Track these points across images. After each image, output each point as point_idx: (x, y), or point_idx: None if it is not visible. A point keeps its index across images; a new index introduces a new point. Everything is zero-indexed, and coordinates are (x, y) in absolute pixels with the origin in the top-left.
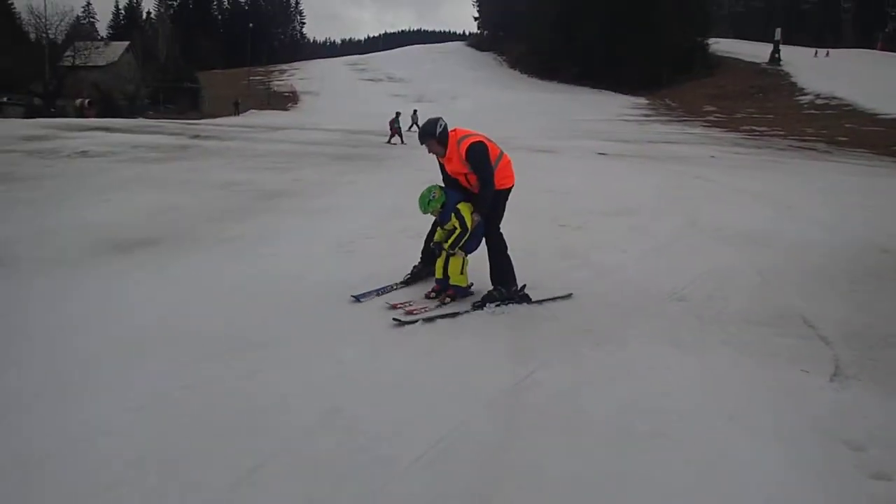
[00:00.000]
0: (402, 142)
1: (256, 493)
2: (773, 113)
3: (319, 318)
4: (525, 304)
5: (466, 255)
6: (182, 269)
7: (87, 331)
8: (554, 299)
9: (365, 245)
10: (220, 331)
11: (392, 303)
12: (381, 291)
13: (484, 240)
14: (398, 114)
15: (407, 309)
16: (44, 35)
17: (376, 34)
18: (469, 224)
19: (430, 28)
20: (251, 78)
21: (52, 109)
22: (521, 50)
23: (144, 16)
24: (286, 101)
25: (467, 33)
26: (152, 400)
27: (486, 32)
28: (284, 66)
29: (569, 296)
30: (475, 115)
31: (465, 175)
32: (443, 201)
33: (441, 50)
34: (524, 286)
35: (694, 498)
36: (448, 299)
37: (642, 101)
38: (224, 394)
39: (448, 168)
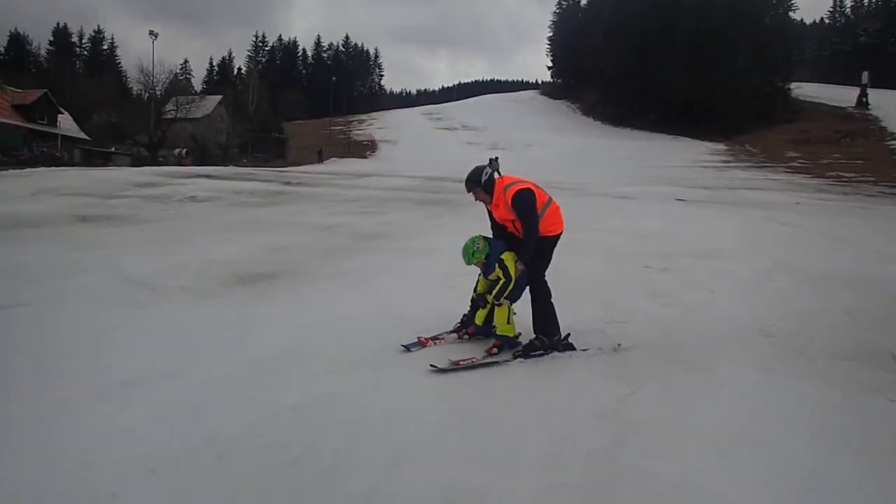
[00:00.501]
0: None
1: (400, 480)
2: (861, 158)
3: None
4: (568, 352)
5: (511, 304)
6: (300, 300)
7: (242, 347)
8: (601, 350)
9: (463, 281)
10: (338, 352)
11: (454, 360)
12: (434, 339)
13: (528, 288)
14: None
15: (453, 360)
16: (151, 91)
17: (450, 84)
18: (513, 273)
19: (502, 77)
20: (332, 128)
21: (160, 158)
22: (594, 97)
23: (235, 71)
24: (365, 149)
25: (539, 82)
26: (300, 405)
27: (559, 80)
28: (363, 117)
29: (618, 346)
30: (551, 162)
31: (513, 221)
32: (487, 252)
33: (514, 98)
34: (568, 335)
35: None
36: (495, 349)
37: (721, 147)
38: (351, 401)
39: (496, 215)
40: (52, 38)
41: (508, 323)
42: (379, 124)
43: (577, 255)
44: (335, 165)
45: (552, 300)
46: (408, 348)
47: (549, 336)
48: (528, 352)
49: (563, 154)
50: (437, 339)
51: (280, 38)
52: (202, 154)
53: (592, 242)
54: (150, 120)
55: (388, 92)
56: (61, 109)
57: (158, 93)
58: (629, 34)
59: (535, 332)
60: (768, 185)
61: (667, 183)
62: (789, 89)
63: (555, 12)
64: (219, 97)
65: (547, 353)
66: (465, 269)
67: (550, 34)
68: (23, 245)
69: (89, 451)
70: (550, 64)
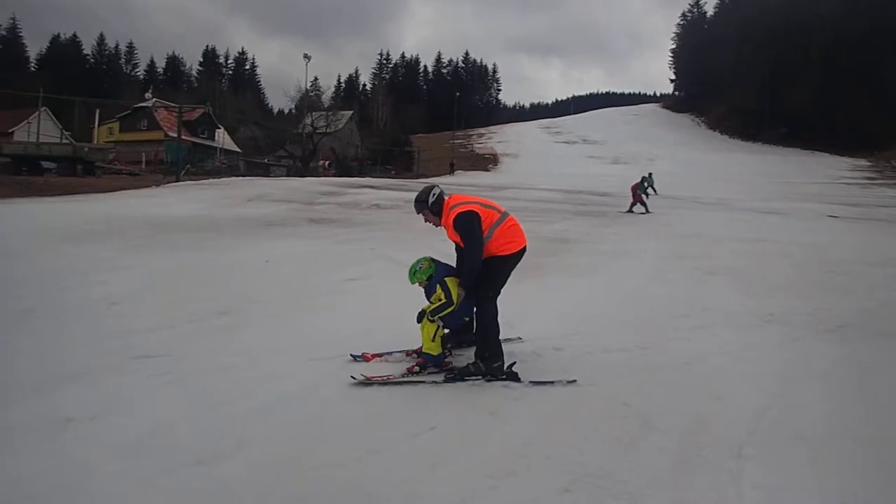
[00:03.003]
0: (647, 211)
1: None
2: None
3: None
4: (513, 382)
5: (443, 327)
6: (547, 288)
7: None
8: (552, 383)
9: (676, 275)
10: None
11: (369, 375)
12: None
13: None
14: (645, 178)
15: (367, 375)
16: (306, 108)
17: (564, 97)
18: (454, 298)
19: (619, 90)
20: (453, 141)
21: (315, 167)
22: (720, 110)
23: (360, 87)
24: (487, 162)
25: (658, 94)
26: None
27: (681, 93)
28: (482, 130)
29: (573, 381)
30: (677, 176)
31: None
32: (430, 273)
33: (634, 112)
34: (513, 363)
35: None
36: (417, 367)
37: (863, 162)
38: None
39: (447, 235)
40: (201, 59)
41: (433, 341)
42: (498, 138)
43: (772, 262)
44: (464, 178)
45: (498, 327)
46: (354, 358)
47: (486, 362)
48: (463, 375)
49: (688, 168)
50: (383, 355)
51: (403, 56)
52: (341, 166)
53: (769, 251)
54: (293, 133)
55: (502, 105)
56: (219, 125)
57: (313, 112)
58: (761, 46)
59: (474, 357)
60: None
61: (810, 199)
62: None
63: (679, 24)
64: (350, 112)
65: (484, 379)
66: (667, 267)
67: (673, 46)
68: (299, 240)
69: None
70: (673, 76)
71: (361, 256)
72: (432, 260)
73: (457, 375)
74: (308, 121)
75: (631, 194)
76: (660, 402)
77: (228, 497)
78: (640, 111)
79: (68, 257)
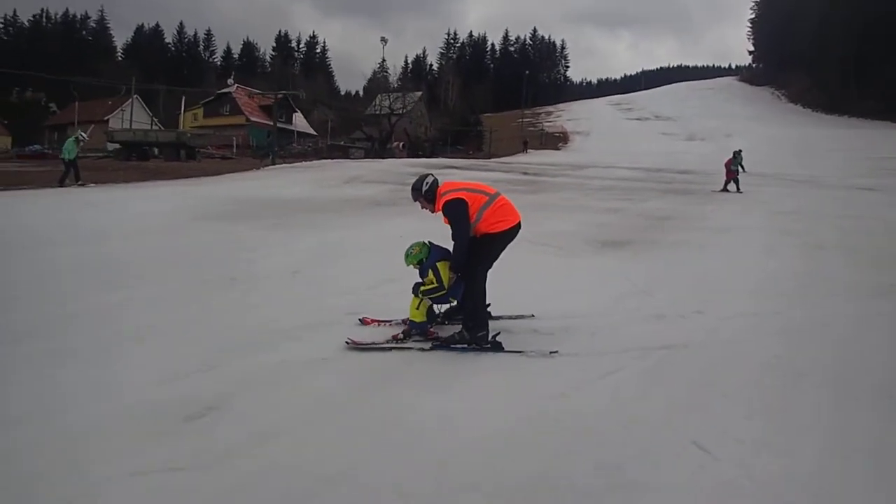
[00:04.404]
0: (738, 190)
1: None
2: None
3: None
4: (497, 352)
5: (432, 305)
6: (666, 262)
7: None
8: (531, 353)
9: (784, 251)
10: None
11: (355, 339)
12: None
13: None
14: (736, 154)
15: (353, 339)
16: (375, 89)
17: (633, 72)
18: (445, 282)
19: (691, 63)
20: (521, 120)
21: (391, 148)
22: (803, 83)
23: (428, 67)
24: (557, 140)
25: (734, 66)
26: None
27: (760, 66)
28: (550, 108)
29: (555, 352)
30: (758, 153)
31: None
32: (421, 258)
33: (709, 86)
34: (497, 334)
35: None
36: (402, 335)
37: None
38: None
39: (443, 221)
40: (274, 45)
41: (418, 308)
42: (567, 116)
43: (879, 239)
44: (537, 157)
45: (485, 299)
46: (361, 321)
47: (471, 332)
48: (449, 343)
49: (769, 145)
50: (384, 321)
51: (470, 34)
52: (413, 147)
53: (873, 228)
54: (366, 115)
55: (570, 82)
56: (296, 108)
57: (386, 94)
58: (849, 14)
59: (462, 325)
60: None
61: None
62: None
63: None
64: (419, 92)
65: (469, 348)
66: (778, 240)
67: (752, 16)
68: (416, 219)
69: None
70: (752, 48)
71: None
72: (425, 244)
73: (443, 343)
74: (384, 102)
75: (725, 171)
76: (805, 356)
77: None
78: (716, 85)
79: (228, 234)
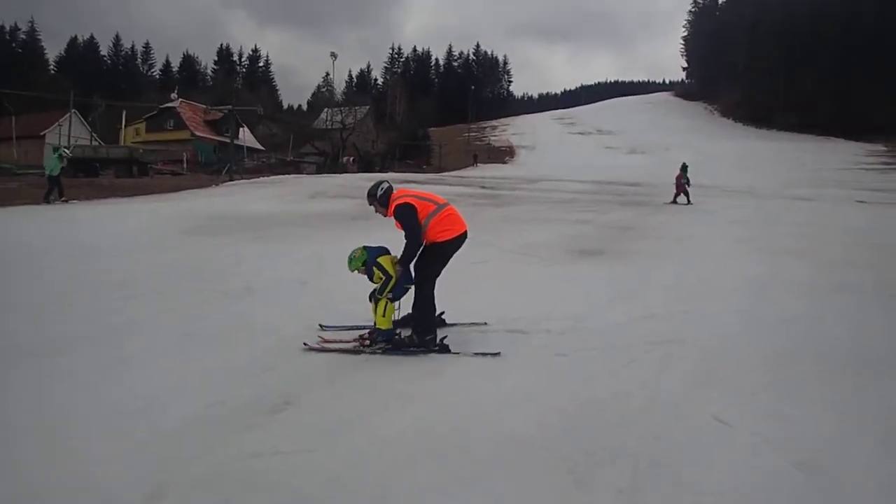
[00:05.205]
0: (689, 202)
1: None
2: None
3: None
4: (445, 353)
5: (392, 302)
6: (622, 270)
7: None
8: (484, 355)
9: (744, 256)
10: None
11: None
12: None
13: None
14: (684, 167)
15: (325, 340)
16: (329, 105)
17: (572, 87)
18: (392, 273)
19: (627, 79)
20: (467, 134)
21: (343, 163)
22: (734, 98)
23: (372, 82)
24: (504, 154)
25: (668, 81)
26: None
27: (692, 81)
28: (495, 123)
29: (497, 354)
30: (697, 165)
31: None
32: (364, 259)
33: (647, 101)
34: (444, 338)
35: None
36: (367, 340)
37: (879, 148)
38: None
39: (396, 225)
40: (216, 58)
41: (384, 316)
42: (512, 130)
43: (824, 244)
44: (488, 171)
45: (434, 305)
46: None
47: (419, 336)
48: (398, 346)
49: (705, 157)
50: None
51: (414, 49)
52: (364, 161)
53: (819, 235)
54: (315, 129)
55: (513, 97)
56: (242, 123)
57: (336, 108)
58: (775, 32)
59: (411, 331)
60: None
61: (833, 186)
62: None
63: (690, 11)
64: (367, 107)
65: (418, 350)
66: (739, 248)
67: (685, 33)
68: (397, 233)
69: None
70: (685, 64)
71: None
72: (362, 248)
73: (394, 347)
74: (336, 117)
75: (676, 184)
76: (787, 343)
77: None
78: (653, 100)
79: (219, 249)
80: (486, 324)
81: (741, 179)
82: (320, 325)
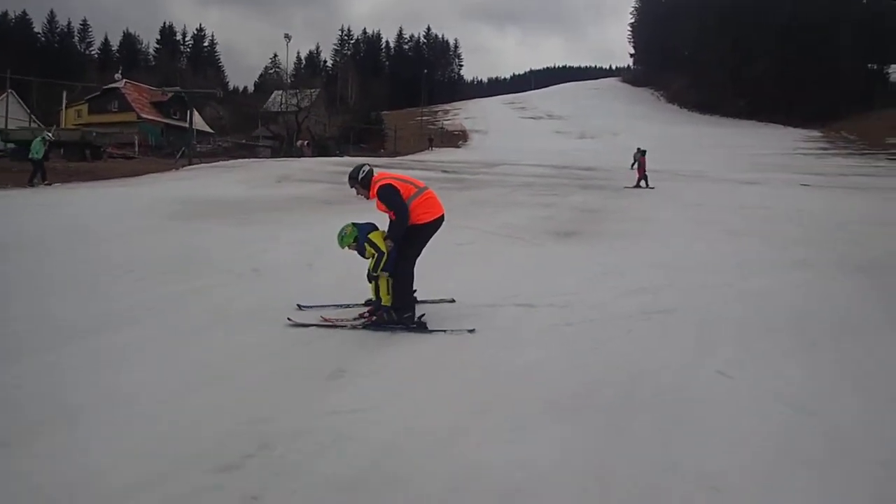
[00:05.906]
0: (648, 185)
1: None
2: None
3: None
4: (422, 332)
5: (390, 277)
6: (602, 249)
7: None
8: (455, 331)
9: (706, 237)
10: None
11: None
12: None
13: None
14: (642, 151)
15: (325, 318)
16: (286, 88)
17: (522, 72)
18: (383, 248)
19: (575, 64)
20: (421, 118)
21: (298, 147)
22: (680, 85)
23: (322, 64)
24: (457, 139)
25: (615, 67)
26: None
27: (640, 67)
28: (447, 107)
29: (472, 331)
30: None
31: (389, 213)
32: (355, 236)
33: (595, 86)
34: (422, 315)
35: None
36: (374, 317)
37: (815, 133)
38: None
39: (377, 207)
40: (159, 38)
41: (388, 294)
42: (465, 114)
43: (779, 224)
44: (444, 155)
45: (412, 284)
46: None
47: (398, 312)
48: (378, 323)
49: (651, 142)
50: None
51: (364, 31)
52: (317, 146)
53: (773, 216)
54: (266, 111)
55: (464, 81)
56: (189, 105)
57: (288, 90)
58: (722, 20)
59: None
60: (877, 172)
61: (776, 170)
62: (888, 73)
63: None
64: (318, 90)
65: (396, 327)
66: (700, 230)
67: (632, 20)
68: (373, 215)
69: None
70: (633, 50)
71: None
72: (352, 225)
73: (373, 323)
74: (292, 100)
75: (641, 168)
76: (766, 311)
77: None
78: (601, 85)
79: (212, 233)
80: (453, 300)
81: (689, 164)
82: (298, 305)
